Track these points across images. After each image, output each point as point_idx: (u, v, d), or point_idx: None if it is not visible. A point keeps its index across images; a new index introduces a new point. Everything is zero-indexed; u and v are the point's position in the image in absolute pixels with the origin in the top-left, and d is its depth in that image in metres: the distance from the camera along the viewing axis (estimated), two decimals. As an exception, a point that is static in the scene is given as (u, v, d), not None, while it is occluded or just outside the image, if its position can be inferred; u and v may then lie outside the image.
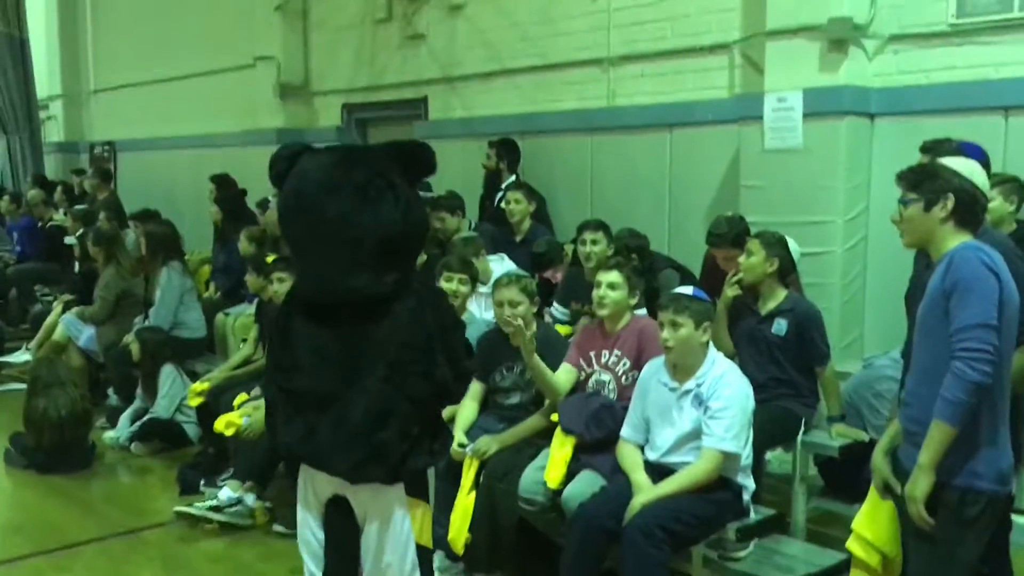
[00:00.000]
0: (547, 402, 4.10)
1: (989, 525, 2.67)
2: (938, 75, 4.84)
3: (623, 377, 3.92)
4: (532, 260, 5.64)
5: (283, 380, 2.66)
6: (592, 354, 4.03)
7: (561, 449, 3.80)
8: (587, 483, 3.67)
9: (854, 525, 3.07)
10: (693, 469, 3.41)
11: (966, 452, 2.60)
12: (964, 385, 2.51)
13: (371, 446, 2.49)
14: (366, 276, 2.49)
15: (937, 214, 2.73)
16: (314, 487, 2.77)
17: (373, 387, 2.49)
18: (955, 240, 2.71)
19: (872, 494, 2.99)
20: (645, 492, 3.41)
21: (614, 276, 3.95)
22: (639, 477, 3.50)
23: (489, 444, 3.96)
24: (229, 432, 4.77)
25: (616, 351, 3.96)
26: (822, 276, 4.99)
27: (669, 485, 3.42)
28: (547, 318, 5.09)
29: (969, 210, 2.75)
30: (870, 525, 3.00)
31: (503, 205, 6.23)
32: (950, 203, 2.72)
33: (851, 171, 4.98)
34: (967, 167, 2.82)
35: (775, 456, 4.40)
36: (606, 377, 3.97)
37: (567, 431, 3.83)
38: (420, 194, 4.67)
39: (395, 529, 2.73)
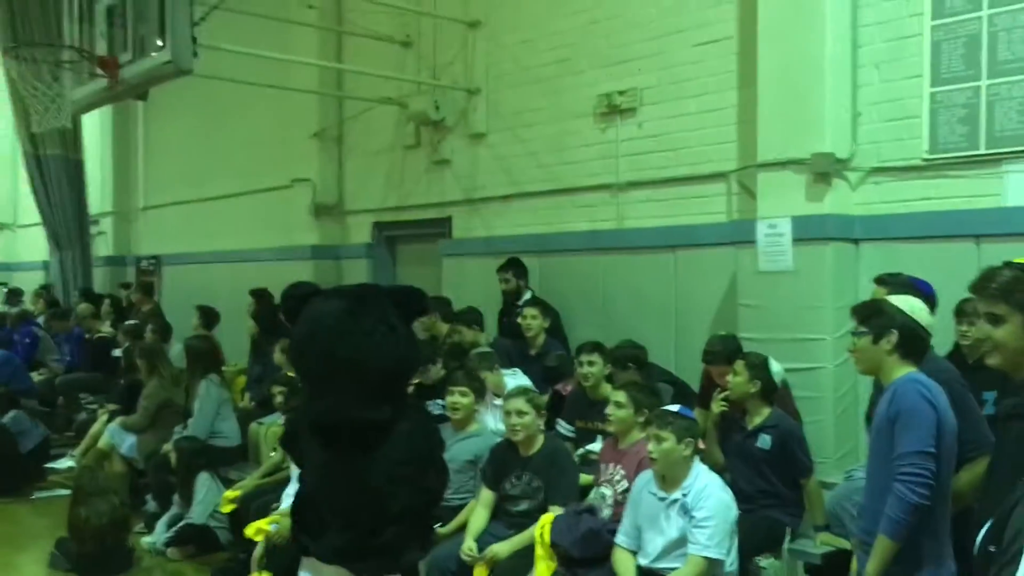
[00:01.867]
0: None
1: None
2: (915, 205, 5.22)
3: (620, 495, 4.25)
4: (545, 374, 6.00)
5: (300, 489, 3.07)
6: (602, 466, 4.39)
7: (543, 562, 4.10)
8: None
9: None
10: (680, 574, 3.70)
11: (911, 565, 2.90)
12: (904, 506, 2.85)
13: (375, 546, 2.89)
14: (370, 407, 2.90)
15: (883, 347, 3.09)
16: None
17: (376, 495, 2.87)
18: (900, 371, 3.07)
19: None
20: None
21: (620, 396, 4.35)
22: (632, 584, 3.80)
23: (499, 551, 4.27)
24: (259, 538, 5.09)
25: (620, 469, 4.31)
26: (815, 390, 5.28)
27: (660, 591, 3.72)
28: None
29: (912, 344, 3.11)
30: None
31: (520, 320, 6.62)
32: (894, 337, 3.08)
33: (837, 292, 5.30)
34: (911, 305, 3.19)
35: (769, 563, 4.63)
36: (607, 491, 4.31)
37: (555, 543, 4.13)
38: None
39: None
